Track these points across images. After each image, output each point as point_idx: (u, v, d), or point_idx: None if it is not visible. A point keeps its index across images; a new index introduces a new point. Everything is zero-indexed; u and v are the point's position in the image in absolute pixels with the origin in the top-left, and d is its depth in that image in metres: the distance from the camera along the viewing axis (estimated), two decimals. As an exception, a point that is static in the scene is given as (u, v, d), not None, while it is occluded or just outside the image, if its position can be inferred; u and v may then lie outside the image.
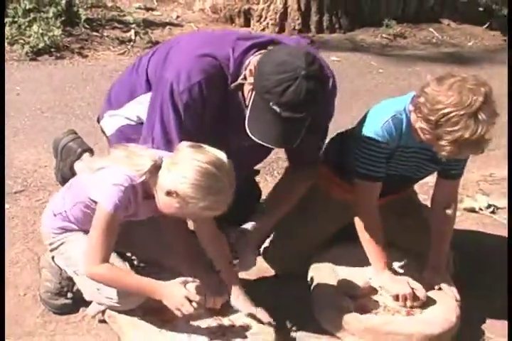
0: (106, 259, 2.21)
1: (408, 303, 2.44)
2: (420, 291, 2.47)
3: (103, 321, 2.39)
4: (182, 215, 2.26)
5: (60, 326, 2.41)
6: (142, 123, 2.46)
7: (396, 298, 2.44)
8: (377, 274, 2.51)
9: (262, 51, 2.33)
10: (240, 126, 2.28)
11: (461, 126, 2.19)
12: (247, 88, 2.30)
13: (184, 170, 2.14)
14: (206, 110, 2.37)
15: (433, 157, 2.45)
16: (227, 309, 2.37)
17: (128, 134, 2.53)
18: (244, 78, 2.31)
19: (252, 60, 2.32)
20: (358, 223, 2.51)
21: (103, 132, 2.70)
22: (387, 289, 2.48)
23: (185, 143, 2.21)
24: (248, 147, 2.39)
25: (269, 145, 2.30)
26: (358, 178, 2.50)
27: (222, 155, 2.18)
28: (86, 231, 2.36)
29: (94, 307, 2.40)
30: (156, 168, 2.19)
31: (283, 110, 2.18)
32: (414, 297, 2.44)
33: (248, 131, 2.26)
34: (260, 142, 2.27)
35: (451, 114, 2.19)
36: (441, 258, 2.59)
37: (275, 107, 2.18)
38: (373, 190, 2.50)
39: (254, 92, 2.25)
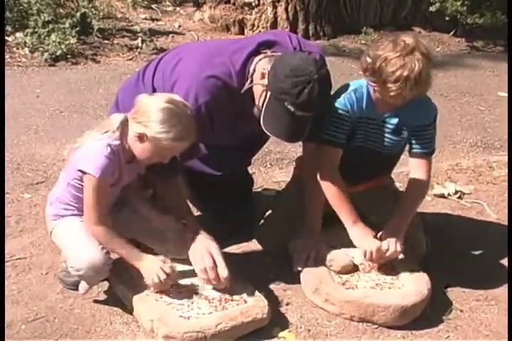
0: (101, 219, 2.23)
1: (374, 258, 2.41)
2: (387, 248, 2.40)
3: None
4: (161, 157, 2.25)
5: (78, 301, 2.39)
6: None
7: (364, 253, 2.40)
8: (348, 229, 2.46)
9: (261, 56, 2.33)
10: (249, 115, 2.31)
11: (399, 64, 2.25)
12: (259, 88, 2.30)
13: (145, 114, 2.17)
14: (214, 120, 2.39)
15: (394, 130, 2.49)
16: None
17: None
18: (251, 81, 2.32)
19: (257, 65, 2.32)
20: (324, 186, 2.47)
21: None
22: (356, 244, 2.44)
23: (141, 95, 2.24)
24: (259, 131, 2.39)
25: (281, 140, 2.34)
26: (320, 143, 2.47)
27: (172, 95, 2.23)
28: (80, 211, 2.34)
29: (82, 286, 2.35)
30: (124, 124, 2.21)
31: (297, 109, 2.19)
32: (380, 254, 2.40)
33: (263, 127, 2.27)
34: (273, 136, 2.30)
35: (390, 57, 2.27)
36: (400, 225, 2.47)
37: (290, 106, 2.19)
38: (334, 155, 2.47)
39: (268, 92, 2.24)
